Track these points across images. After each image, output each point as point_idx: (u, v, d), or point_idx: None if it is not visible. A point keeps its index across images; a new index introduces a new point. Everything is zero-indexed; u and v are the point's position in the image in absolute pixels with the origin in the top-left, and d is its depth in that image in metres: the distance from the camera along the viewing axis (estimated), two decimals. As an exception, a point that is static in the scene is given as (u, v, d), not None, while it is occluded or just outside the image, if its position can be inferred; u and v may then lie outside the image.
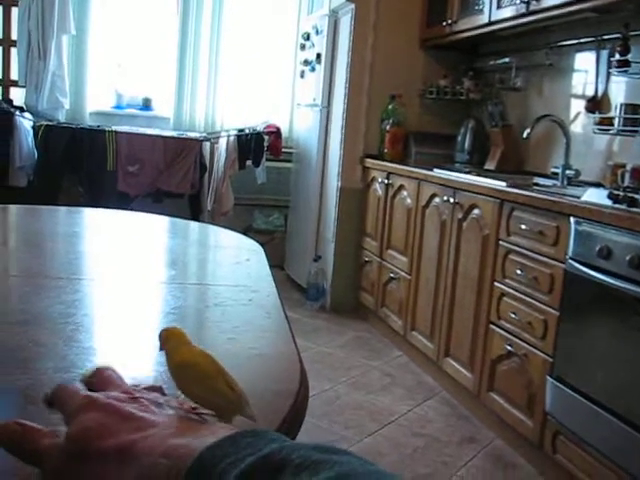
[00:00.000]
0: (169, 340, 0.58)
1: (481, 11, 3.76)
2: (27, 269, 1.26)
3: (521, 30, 3.69)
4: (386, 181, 4.18)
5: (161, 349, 0.58)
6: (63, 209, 2.46)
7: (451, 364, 3.34)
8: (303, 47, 5.15)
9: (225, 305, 1.12)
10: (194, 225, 2.27)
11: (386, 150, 4.42)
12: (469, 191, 3.23)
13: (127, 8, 5.51)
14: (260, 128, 5.25)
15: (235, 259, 1.58)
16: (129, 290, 1.18)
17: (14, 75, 5.24)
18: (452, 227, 3.38)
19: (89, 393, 0.52)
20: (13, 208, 2.24)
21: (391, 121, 4.40)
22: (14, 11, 5.15)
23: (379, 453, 2.78)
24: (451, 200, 3.38)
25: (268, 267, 1.43)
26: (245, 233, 5.60)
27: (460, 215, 3.30)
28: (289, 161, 5.47)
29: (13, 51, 5.21)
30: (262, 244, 5.39)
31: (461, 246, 3.29)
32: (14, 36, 5.18)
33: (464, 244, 3.26)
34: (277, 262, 5.46)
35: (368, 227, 4.48)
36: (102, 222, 1.99)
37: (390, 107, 4.45)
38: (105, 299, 1.14)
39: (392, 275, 4.05)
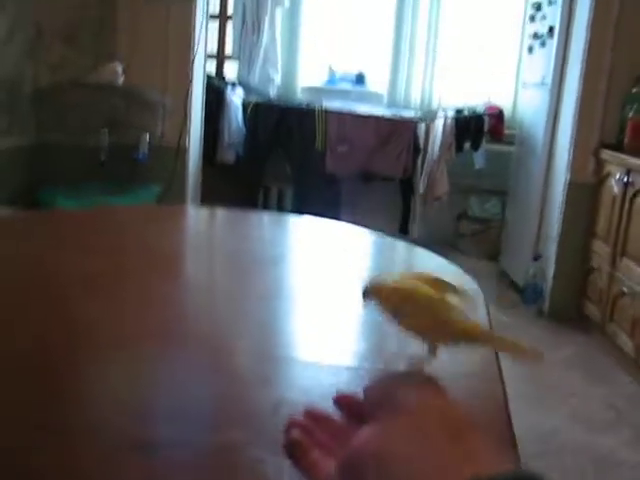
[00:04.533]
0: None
1: None
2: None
3: None
4: (625, 178, 3.60)
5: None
6: (267, 218, 2.46)
7: (697, 411, 2.80)
8: (533, 19, 4.58)
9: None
10: (400, 248, 2.00)
11: (627, 141, 3.80)
12: None
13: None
14: (480, 109, 4.82)
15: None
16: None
17: (228, 50, 5.19)
18: None
19: None
20: (220, 215, 2.20)
21: (635, 107, 3.77)
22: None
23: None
24: None
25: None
26: (458, 220, 5.29)
27: None
28: (511, 144, 4.95)
29: (228, 26, 5.15)
30: (476, 233, 4.97)
31: None
32: (230, 11, 5.11)
33: None
34: (491, 253, 5.04)
35: (599, 228, 3.91)
36: (305, 238, 1.82)
37: (634, 91, 3.82)
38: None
39: (625, 289, 3.50)
